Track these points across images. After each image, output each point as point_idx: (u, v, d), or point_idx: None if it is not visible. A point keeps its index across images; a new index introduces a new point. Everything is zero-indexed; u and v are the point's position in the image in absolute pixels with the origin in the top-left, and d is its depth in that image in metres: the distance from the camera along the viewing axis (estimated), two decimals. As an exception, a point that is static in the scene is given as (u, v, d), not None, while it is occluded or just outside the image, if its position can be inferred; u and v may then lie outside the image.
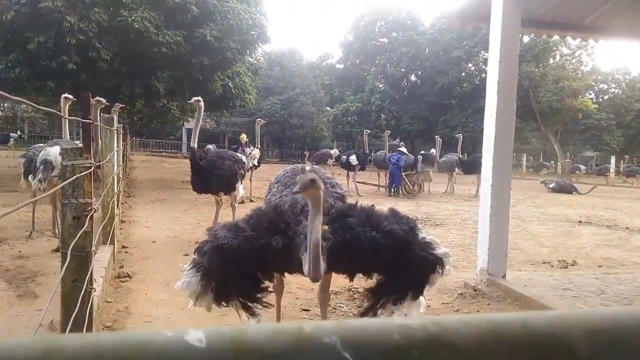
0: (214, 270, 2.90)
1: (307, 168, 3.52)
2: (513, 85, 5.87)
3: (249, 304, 3.06)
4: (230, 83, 22.11)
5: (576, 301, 5.09)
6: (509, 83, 5.76)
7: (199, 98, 7.46)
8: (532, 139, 48.39)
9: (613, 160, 34.20)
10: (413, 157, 19.00)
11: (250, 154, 14.75)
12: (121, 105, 12.70)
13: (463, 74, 45.18)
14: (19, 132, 39.01)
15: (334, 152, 19.73)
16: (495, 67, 5.71)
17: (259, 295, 3.06)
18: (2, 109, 44.45)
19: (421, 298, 3.05)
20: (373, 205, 3.16)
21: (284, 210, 3.03)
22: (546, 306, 4.82)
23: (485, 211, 5.68)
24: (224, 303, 3.03)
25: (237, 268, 2.91)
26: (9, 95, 2.08)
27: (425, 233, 3.09)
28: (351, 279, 3.19)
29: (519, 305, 5.04)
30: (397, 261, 2.91)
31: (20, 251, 6.47)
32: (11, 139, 35.16)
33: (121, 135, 10.04)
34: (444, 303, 5.12)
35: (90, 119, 3.14)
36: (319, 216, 2.71)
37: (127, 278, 5.57)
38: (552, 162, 43.38)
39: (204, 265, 2.93)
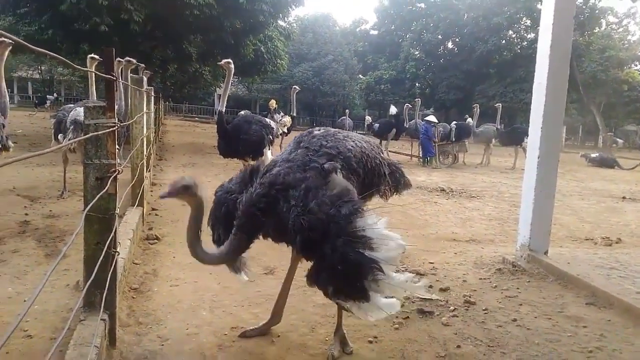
0: (211, 219, 3.09)
1: (316, 132, 3.21)
2: (567, 50, 5.40)
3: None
4: (262, 47, 21.83)
5: (623, 282, 4.75)
6: (562, 47, 5.30)
7: (229, 60, 7.25)
8: (573, 110, 46.62)
9: (658, 134, 32.54)
10: (448, 126, 18.38)
11: (280, 120, 14.54)
12: (143, 66, 12.49)
13: (503, 41, 43.44)
14: (55, 95, 39.90)
15: (367, 119, 19.29)
16: (548, 29, 5.24)
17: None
18: (39, 71, 45.27)
19: (377, 300, 2.52)
20: (327, 179, 2.79)
21: (256, 169, 3.04)
22: (592, 286, 4.52)
23: (530, 183, 5.33)
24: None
25: (220, 220, 3.02)
26: (45, 51, 1.97)
27: (374, 226, 2.56)
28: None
29: (561, 284, 4.74)
30: (322, 248, 2.55)
31: (51, 210, 6.48)
32: (48, 101, 36.00)
33: (152, 98, 9.95)
34: (481, 278, 4.87)
35: (113, 75, 2.94)
36: (196, 222, 2.79)
37: (155, 240, 5.51)
38: (570, 136, 41.67)
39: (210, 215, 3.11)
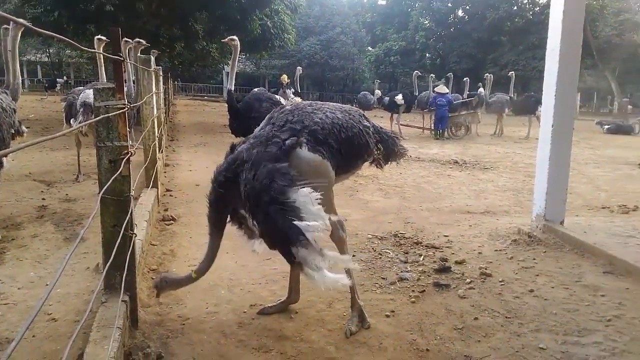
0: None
1: (286, 107, 3.22)
2: (580, 14, 5.27)
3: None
4: (268, 22, 21.56)
5: (642, 249, 4.72)
6: (575, 11, 5.17)
7: (234, 37, 7.13)
8: (587, 77, 45.60)
9: (676, 98, 31.81)
10: (460, 96, 18.14)
11: (292, 98, 14.45)
12: (145, 42, 12.31)
13: (515, 7, 42.50)
14: (65, 77, 39.96)
15: (377, 92, 19.09)
16: (561, -7, 5.10)
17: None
18: (48, 54, 45.24)
19: (321, 272, 2.57)
20: (291, 154, 2.85)
21: (232, 148, 3.10)
22: (609, 255, 4.49)
23: (544, 153, 5.26)
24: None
25: (216, 197, 3.04)
26: (52, 34, 1.95)
27: (305, 199, 2.62)
28: None
29: (578, 254, 4.72)
30: (258, 215, 2.71)
31: (67, 194, 6.56)
32: (58, 84, 36.11)
33: (161, 78, 9.91)
34: (496, 250, 4.86)
35: (120, 55, 2.92)
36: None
37: (171, 221, 5.56)
38: (585, 103, 40.71)
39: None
